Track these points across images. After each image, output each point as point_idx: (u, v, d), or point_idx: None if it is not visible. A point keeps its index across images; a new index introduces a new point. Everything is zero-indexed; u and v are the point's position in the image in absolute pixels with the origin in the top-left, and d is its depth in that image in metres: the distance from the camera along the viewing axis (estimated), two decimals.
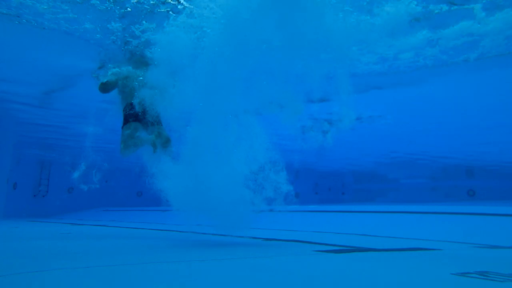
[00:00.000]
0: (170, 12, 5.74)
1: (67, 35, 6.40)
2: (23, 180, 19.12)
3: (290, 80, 3.58)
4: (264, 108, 3.62)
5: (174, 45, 4.75)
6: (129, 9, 5.63)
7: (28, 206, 19.15)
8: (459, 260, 2.91)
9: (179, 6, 5.58)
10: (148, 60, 5.42)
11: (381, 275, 2.14)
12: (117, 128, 5.69)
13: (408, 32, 6.23)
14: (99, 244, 4.07)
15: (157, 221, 11.17)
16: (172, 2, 5.50)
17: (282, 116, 3.58)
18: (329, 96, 8.54)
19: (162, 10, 5.69)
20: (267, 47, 3.51)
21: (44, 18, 5.89)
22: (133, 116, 4.85)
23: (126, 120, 4.91)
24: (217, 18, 4.90)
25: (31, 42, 6.78)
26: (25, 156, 18.55)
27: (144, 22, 5.96)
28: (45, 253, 3.25)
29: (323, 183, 27.30)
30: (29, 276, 2.08)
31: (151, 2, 5.50)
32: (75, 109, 11.24)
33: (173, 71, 4.59)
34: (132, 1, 5.47)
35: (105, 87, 5.11)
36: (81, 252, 3.34)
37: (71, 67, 8.07)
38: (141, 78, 5.03)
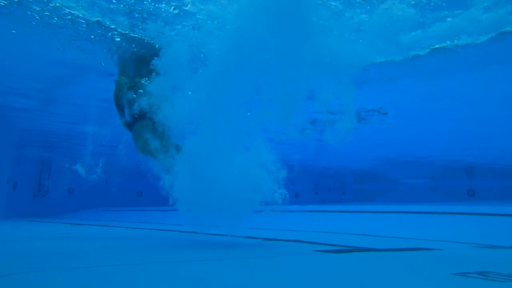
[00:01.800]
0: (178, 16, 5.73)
1: (69, 29, 6.32)
2: (23, 180, 19.13)
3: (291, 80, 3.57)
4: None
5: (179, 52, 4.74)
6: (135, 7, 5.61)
7: (28, 206, 19.15)
8: (459, 260, 2.91)
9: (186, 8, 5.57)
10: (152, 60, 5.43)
11: (381, 275, 2.14)
12: (117, 129, 5.69)
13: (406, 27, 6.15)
14: (99, 244, 4.06)
15: (157, 221, 11.17)
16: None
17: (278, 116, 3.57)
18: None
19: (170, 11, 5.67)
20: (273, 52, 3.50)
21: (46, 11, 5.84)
22: (141, 117, 4.88)
23: (134, 121, 4.93)
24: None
25: (31, 37, 6.71)
26: (25, 156, 18.55)
27: (148, 21, 5.93)
28: (45, 253, 3.25)
29: (323, 183, 27.32)
30: (29, 276, 2.08)
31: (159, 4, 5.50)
32: (76, 109, 11.24)
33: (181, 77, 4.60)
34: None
35: (118, 86, 5.27)
36: (81, 252, 3.34)
37: (73, 64, 8.01)
38: (141, 90, 5.07)
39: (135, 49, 6.56)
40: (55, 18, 5.93)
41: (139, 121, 4.92)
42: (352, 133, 3.57)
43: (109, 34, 6.36)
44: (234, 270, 2.27)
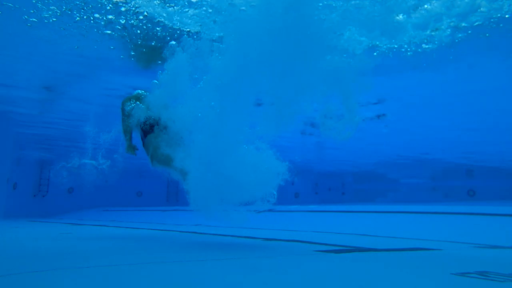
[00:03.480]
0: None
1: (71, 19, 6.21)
2: (23, 180, 19.14)
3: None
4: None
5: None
6: None
7: (28, 206, 19.17)
8: (459, 260, 2.91)
9: None
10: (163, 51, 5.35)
11: (381, 275, 2.14)
12: (116, 129, 5.66)
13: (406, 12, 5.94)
14: (99, 244, 4.06)
15: (157, 221, 11.17)
16: None
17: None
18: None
19: None
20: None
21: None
22: (151, 126, 4.84)
23: (146, 132, 4.88)
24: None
25: (31, 33, 6.62)
26: (25, 156, 18.56)
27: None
28: (45, 253, 3.25)
29: (323, 183, 27.34)
30: (29, 276, 2.08)
31: None
32: (77, 109, 11.24)
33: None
34: None
35: (126, 101, 5.20)
36: (81, 252, 3.34)
37: (76, 63, 7.95)
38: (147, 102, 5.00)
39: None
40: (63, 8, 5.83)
41: (150, 133, 4.87)
42: (355, 130, 3.54)
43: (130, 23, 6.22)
44: (234, 270, 2.27)
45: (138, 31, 6.56)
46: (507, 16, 5.85)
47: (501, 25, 6.11)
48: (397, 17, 6.01)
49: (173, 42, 4.80)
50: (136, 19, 6.20)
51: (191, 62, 4.45)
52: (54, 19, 6.08)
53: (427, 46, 6.88)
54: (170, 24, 6.33)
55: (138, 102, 5.04)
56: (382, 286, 1.86)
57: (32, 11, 5.88)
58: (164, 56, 4.66)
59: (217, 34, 6.27)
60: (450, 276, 2.06)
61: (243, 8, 4.96)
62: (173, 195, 23.79)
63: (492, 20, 5.98)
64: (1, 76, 8.70)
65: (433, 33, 6.46)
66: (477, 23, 6.09)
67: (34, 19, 6.10)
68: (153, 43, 6.88)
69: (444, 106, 10.65)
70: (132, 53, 7.20)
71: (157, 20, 6.21)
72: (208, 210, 3.83)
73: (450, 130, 13.19)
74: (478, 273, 2.12)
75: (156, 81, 5.00)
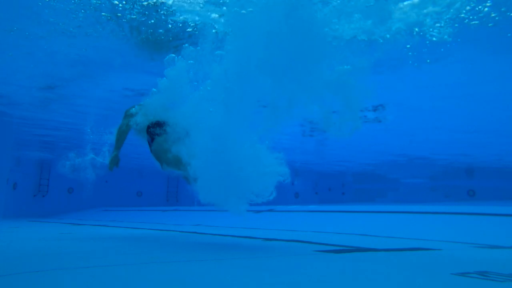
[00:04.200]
0: None
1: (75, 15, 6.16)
2: (23, 180, 19.14)
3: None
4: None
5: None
6: None
7: (28, 206, 19.17)
8: (459, 260, 2.91)
9: None
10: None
11: (381, 275, 2.14)
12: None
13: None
14: (99, 244, 4.07)
15: (157, 221, 11.17)
16: None
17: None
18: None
19: None
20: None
21: None
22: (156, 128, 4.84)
23: (152, 137, 4.87)
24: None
25: (32, 32, 6.60)
26: (25, 156, 18.56)
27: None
28: (45, 253, 3.25)
29: (323, 183, 27.36)
30: (29, 276, 2.09)
31: None
32: (77, 109, 11.24)
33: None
34: None
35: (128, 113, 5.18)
36: (81, 252, 3.34)
37: (77, 62, 7.90)
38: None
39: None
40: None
41: (157, 137, 4.87)
42: (357, 129, 3.53)
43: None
44: (234, 270, 2.28)
45: (143, 23, 6.49)
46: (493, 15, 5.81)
47: (490, 24, 6.08)
48: (393, 8, 5.90)
49: (172, 55, 4.82)
50: (140, 14, 6.16)
51: (191, 68, 4.46)
52: (55, 18, 6.08)
53: (428, 45, 6.85)
54: (176, 18, 6.31)
55: (143, 109, 5.04)
56: (382, 286, 1.86)
57: (32, 10, 5.88)
58: (167, 61, 4.68)
59: (222, 30, 6.22)
60: (450, 276, 2.06)
61: (244, 11, 4.95)
62: (173, 195, 23.81)
63: (489, 18, 5.94)
64: (1, 75, 8.70)
65: (432, 30, 6.42)
66: (474, 22, 6.06)
67: (34, 17, 6.10)
68: (156, 36, 6.82)
69: (444, 106, 10.65)
70: (136, 39, 7.08)
71: (162, 13, 6.18)
72: (215, 205, 3.84)
73: (450, 130, 13.19)
74: (478, 273, 2.13)
75: (154, 89, 5.02)
